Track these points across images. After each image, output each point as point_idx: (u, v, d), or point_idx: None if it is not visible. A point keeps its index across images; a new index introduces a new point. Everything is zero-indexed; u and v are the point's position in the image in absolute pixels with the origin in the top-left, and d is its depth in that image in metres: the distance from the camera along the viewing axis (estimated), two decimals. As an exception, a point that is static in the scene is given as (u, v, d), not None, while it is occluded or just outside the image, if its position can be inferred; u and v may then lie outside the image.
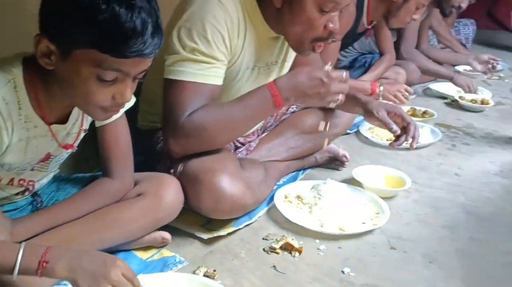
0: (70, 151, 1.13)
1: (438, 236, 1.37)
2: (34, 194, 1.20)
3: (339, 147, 1.79)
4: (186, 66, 1.21)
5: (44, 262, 0.82)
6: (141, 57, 0.86)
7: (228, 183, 1.24)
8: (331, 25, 1.24)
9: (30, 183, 1.14)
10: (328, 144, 1.76)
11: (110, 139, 1.16)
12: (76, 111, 1.08)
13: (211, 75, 1.22)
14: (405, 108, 2.43)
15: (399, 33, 2.73)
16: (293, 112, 1.73)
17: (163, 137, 1.31)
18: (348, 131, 2.06)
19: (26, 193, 1.17)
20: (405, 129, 1.47)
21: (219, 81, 1.24)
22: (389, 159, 1.88)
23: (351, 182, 1.59)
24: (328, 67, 1.21)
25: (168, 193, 1.21)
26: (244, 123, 1.29)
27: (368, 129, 2.11)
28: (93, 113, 0.99)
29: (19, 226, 1.02)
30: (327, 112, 1.70)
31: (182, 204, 1.24)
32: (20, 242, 0.86)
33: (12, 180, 1.08)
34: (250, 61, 1.36)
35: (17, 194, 1.14)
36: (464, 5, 2.77)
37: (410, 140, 1.45)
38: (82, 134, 1.14)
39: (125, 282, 0.83)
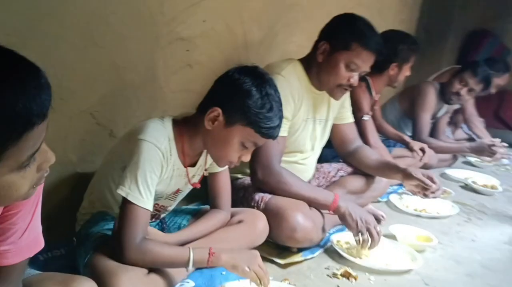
0: (195, 187, 1.55)
1: (461, 280, 1.73)
2: (161, 219, 1.61)
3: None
4: None
5: (212, 253, 1.25)
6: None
7: (302, 218, 1.66)
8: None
9: (162, 207, 1.56)
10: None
11: (222, 182, 1.59)
12: (202, 158, 1.51)
13: None
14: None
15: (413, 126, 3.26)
16: (341, 176, 2.16)
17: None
18: (379, 199, 2.46)
19: (154, 219, 1.57)
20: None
21: None
22: (415, 224, 2.25)
23: (387, 236, 1.97)
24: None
25: (260, 222, 1.62)
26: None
27: (399, 199, 2.52)
28: (220, 163, 1.45)
29: (167, 238, 1.42)
30: (368, 178, 2.15)
31: (268, 231, 1.63)
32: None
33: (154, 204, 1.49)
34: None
35: (151, 218, 1.54)
36: (463, 92, 3.20)
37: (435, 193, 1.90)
38: (203, 176, 1.57)
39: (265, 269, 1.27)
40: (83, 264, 1.32)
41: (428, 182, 1.87)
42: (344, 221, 1.74)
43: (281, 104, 1.37)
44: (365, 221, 1.71)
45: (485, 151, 3.29)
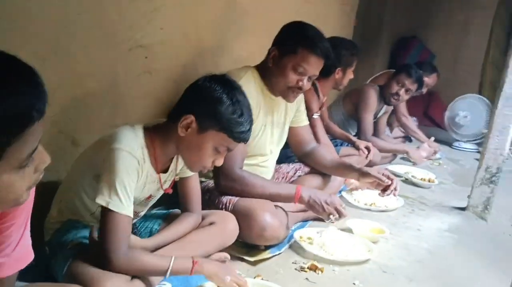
0: (167, 193, 1.58)
1: (414, 266, 1.90)
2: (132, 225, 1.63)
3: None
4: None
5: (196, 262, 1.30)
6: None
7: (270, 217, 1.74)
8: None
9: (134, 213, 1.57)
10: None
11: (192, 185, 1.64)
12: (173, 164, 1.55)
13: None
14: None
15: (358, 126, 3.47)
16: (299, 175, 2.28)
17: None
18: (333, 196, 2.60)
19: None
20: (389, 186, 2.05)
21: None
22: (367, 218, 2.41)
23: (344, 230, 2.10)
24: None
25: (230, 223, 1.68)
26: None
27: (350, 195, 2.68)
28: (194, 168, 1.50)
29: (146, 243, 1.46)
30: (325, 177, 2.28)
31: (238, 232, 1.70)
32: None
33: None
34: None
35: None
36: (401, 93, 3.47)
37: (396, 191, 2.04)
38: (174, 182, 1.60)
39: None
40: (62, 273, 1.31)
41: (384, 178, 2.02)
42: (312, 208, 1.85)
43: (250, 110, 1.45)
44: (330, 203, 1.83)
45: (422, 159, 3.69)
